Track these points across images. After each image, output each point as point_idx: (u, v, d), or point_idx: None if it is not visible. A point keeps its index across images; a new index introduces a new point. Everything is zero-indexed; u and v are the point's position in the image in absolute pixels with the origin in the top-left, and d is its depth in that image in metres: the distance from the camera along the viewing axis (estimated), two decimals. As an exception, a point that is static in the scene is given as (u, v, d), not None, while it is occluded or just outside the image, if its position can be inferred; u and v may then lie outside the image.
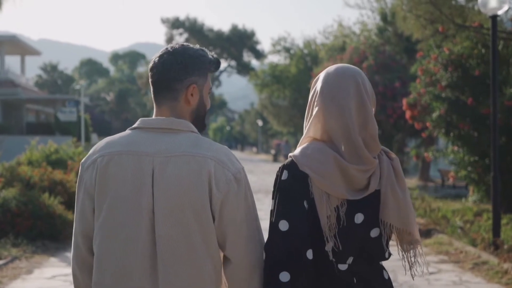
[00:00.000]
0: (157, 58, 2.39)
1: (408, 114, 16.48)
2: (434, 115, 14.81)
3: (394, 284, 7.68)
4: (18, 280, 8.44)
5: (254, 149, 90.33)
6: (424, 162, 23.61)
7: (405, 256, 2.47)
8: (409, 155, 25.18)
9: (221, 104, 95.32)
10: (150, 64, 2.42)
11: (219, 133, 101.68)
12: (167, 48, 2.41)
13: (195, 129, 2.38)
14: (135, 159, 2.27)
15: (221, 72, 76.47)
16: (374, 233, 2.33)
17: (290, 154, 2.37)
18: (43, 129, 36.82)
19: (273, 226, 2.26)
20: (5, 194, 11.49)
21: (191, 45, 2.44)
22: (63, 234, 11.17)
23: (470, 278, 8.64)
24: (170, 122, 2.32)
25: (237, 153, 78.21)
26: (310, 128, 2.38)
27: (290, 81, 43.99)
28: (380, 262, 2.43)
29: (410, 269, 2.47)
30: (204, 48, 2.47)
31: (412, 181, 26.65)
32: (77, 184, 2.40)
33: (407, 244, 2.42)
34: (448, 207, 15.30)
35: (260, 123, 71.17)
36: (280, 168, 2.36)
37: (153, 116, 2.40)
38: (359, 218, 2.30)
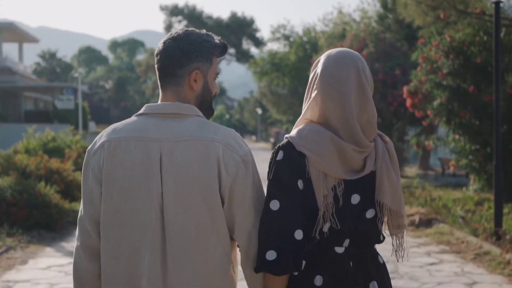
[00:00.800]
0: (161, 45, 2.39)
1: (408, 102, 16.30)
2: (435, 103, 14.66)
3: (395, 275, 7.58)
4: (12, 270, 8.29)
5: (253, 137, 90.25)
6: (424, 150, 23.47)
7: (392, 239, 2.48)
8: (409, 144, 24.99)
9: (221, 92, 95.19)
10: (156, 51, 2.43)
11: (218, 121, 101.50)
12: (171, 34, 2.41)
13: (201, 114, 2.37)
14: (142, 145, 2.27)
15: (220, 60, 76.04)
16: (369, 214, 2.34)
17: (286, 135, 2.36)
18: (42, 117, 36.64)
19: (265, 205, 2.26)
20: (0, 183, 11.33)
21: (196, 30, 2.44)
22: (59, 223, 11.02)
23: (472, 269, 8.50)
24: (176, 107, 2.33)
25: (236, 141, 78.14)
26: (308, 110, 2.38)
27: (289, 68, 43.79)
28: (375, 247, 2.44)
29: (396, 252, 2.49)
30: (210, 33, 2.46)
31: (412, 170, 26.53)
32: (82, 170, 2.38)
33: (396, 228, 2.43)
34: (449, 196, 15.17)
35: (259, 111, 71.00)
36: (275, 148, 2.36)
37: (159, 102, 2.41)
38: (355, 198, 2.31)
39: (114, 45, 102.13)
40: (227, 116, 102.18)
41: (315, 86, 2.37)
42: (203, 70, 2.40)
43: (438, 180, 21.19)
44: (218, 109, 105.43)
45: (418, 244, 10.25)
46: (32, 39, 45.65)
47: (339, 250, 2.31)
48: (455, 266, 8.67)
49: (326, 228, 2.27)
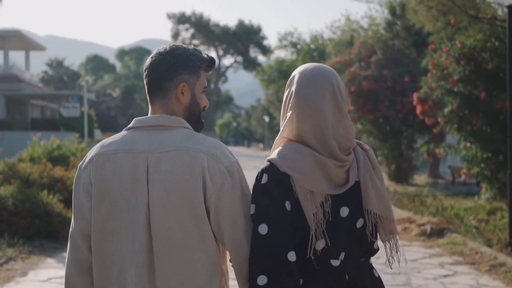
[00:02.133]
0: (149, 60, 2.46)
1: (418, 109, 16.03)
2: (446, 110, 14.39)
3: (407, 287, 7.24)
4: (11, 283, 8.02)
5: (261, 145, 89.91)
6: (434, 158, 23.16)
7: (385, 246, 2.47)
8: (418, 152, 24.69)
9: (228, 100, 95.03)
10: (144, 65, 2.49)
11: (226, 129, 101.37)
12: (158, 50, 2.48)
13: (188, 125, 2.41)
14: (130, 157, 2.32)
15: (228, 68, 76.24)
16: (359, 223, 2.36)
17: (268, 158, 2.36)
18: (48, 125, 36.51)
19: (253, 230, 2.26)
20: (2, 192, 11.09)
21: (184, 46, 2.50)
22: (61, 233, 10.74)
23: (488, 281, 8.19)
24: (163, 119, 2.37)
25: (243, 150, 77.95)
26: (285, 129, 2.40)
27: (297, 76, 43.53)
28: (370, 261, 2.44)
29: (389, 259, 2.47)
30: (197, 48, 2.51)
31: (421, 178, 26.21)
32: (74, 185, 2.44)
33: (388, 234, 2.43)
34: (460, 205, 14.86)
35: (266, 119, 70.76)
36: (259, 172, 2.35)
37: (148, 115, 2.46)
38: (344, 211, 2.33)
39: (122, 53, 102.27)
40: (234, 124, 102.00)
41: (290, 105, 2.38)
42: (190, 82, 2.44)
43: (448, 189, 20.85)
44: (225, 117, 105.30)
45: (430, 255, 9.94)
46: (39, 47, 45.58)
47: (335, 263, 2.32)
48: (469, 278, 8.36)
49: (320, 247, 2.28)
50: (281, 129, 2.44)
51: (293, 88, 2.40)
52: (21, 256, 9.42)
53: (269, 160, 2.35)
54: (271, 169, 2.30)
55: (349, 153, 2.37)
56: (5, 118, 35.85)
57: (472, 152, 14.40)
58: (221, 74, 76.63)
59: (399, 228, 12.42)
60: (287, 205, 2.26)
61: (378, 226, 2.40)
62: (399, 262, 2.46)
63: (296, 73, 2.44)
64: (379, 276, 2.45)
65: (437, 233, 11.72)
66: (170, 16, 71.32)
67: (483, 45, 13.69)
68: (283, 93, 22.76)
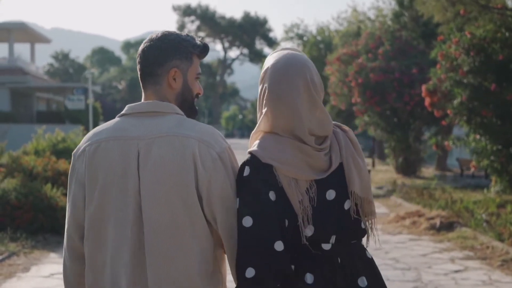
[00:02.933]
0: (141, 47, 2.45)
1: (427, 101, 15.82)
2: (455, 102, 14.20)
3: (418, 283, 7.06)
4: (13, 278, 7.86)
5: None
6: (442, 151, 22.95)
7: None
8: (426, 144, 24.47)
9: (234, 93, 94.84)
10: (137, 54, 2.48)
11: (231, 121, 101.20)
12: (150, 37, 2.46)
13: (180, 111, 2.39)
14: (121, 144, 2.31)
15: (233, 60, 76.02)
16: (347, 205, 2.36)
17: (249, 150, 2.36)
18: (54, 118, 36.31)
19: (238, 223, 2.25)
20: (5, 185, 10.93)
21: (176, 32, 2.48)
22: (65, 227, 10.59)
23: (500, 277, 7.99)
24: (154, 105, 2.36)
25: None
26: (261, 124, 2.39)
27: (303, 68, 43.30)
28: (362, 243, 2.44)
29: (367, 241, 2.47)
30: (190, 34, 2.49)
31: (428, 171, 26.00)
32: (69, 174, 2.44)
33: (366, 215, 2.41)
34: (469, 198, 14.66)
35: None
36: (241, 165, 2.35)
37: (141, 102, 2.45)
38: (331, 194, 2.33)
39: (127, 45, 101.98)
40: (240, 117, 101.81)
41: (264, 102, 2.38)
42: (182, 68, 2.42)
43: (457, 182, 20.62)
44: (231, 109, 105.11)
45: (440, 250, 9.75)
46: (44, 39, 45.35)
47: (326, 246, 2.32)
48: (481, 273, 8.16)
49: (309, 233, 2.28)
50: (257, 123, 2.43)
51: (266, 84, 2.38)
52: (24, 251, 9.25)
53: (250, 152, 2.34)
54: (253, 161, 2.29)
55: (325, 139, 2.38)
56: (10, 110, 35.68)
57: (482, 144, 14.21)
58: (227, 66, 76.38)
59: (407, 221, 12.23)
60: (271, 195, 2.25)
61: (358, 207, 2.39)
62: (367, 246, 2.45)
63: (268, 65, 2.40)
64: (372, 258, 2.45)
65: (447, 227, 11.51)
66: (175, 8, 71.07)
67: (493, 36, 13.48)
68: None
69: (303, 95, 2.34)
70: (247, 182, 2.27)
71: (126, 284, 2.29)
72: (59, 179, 12.59)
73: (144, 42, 2.46)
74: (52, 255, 9.27)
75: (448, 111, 14.70)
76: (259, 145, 2.34)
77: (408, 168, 23.82)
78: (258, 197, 2.24)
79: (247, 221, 2.22)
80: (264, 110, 2.38)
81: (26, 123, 34.11)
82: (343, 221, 2.34)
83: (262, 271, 2.19)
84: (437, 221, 11.72)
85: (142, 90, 2.46)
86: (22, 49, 53.59)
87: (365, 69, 22.26)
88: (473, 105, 13.85)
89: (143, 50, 2.43)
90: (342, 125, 2.49)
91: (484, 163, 14.37)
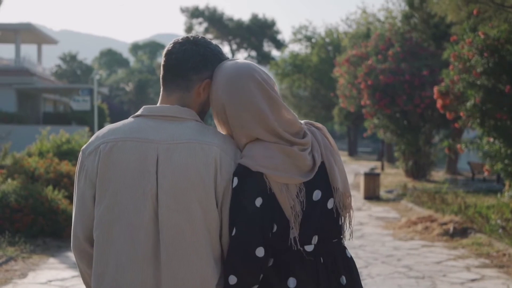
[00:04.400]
0: (178, 45, 2.36)
1: (439, 103, 15.39)
2: (468, 104, 13.78)
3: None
4: (8, 285, 7.50)
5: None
6: (453, 154, 22.54)
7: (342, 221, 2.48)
8: (436, 147, 24.06)
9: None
10: (168, 49, 2.39)
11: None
12: (188, 37, 2.39)
13: (199, 118, 2.35)
14: (139, 146, 2.25)
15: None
16: (330, 204, 2.36)
17: (239, 161, 2.32)
18: (60, 119, 36.10)
19: (229, 233, 2.28)
20: (5, 187, 10.61)
21: (211, 40, 2.42)
22: (66, 231, 10.22)
23: (519, 286, 7.61)
24: (175, 110, 2.31)
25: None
26: (238, 137, 2.36)
27: (311, 70, 43.05)
28: (343, 242, 2.44)
29: (343, 234, 2.47)
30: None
31: (438, 174, 25.59)
32: (76, 171, 2.34)
33: (344, 209, 2.43)
34: (482, 202, 14.27)
35: (280, 114, 70.01)
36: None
37: (159, 104, 2.39)
38: (317, 195, 2.34)
39: (135, 47, 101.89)
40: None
41: (229, 117, 2.34)
42: (211, 80, 2.38)
43: (468, 186, 20.21)
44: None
45: (455, 257, 9.36)
46: (51, 41, 45.12)
47: (309, 248, 2.32)
48: (499, 283, 7.78)
49: (293, 235, 2.28)
50: (236, 139, 2.38)
51: (223, 101, 2.34)
52: (22, 256, 8.92)
53: (239, 163, 2.30)
54: (242, 171, 2.27)
55: (304, 135, 2.38)
56: (17, 111, 35.47)
57: (495, 147, 13.80)
58: (234, 68, 76.18)
59: (419, 227, 11.85)
60: (258, 201, 2.24)
61: (339, 202, 2.41)
62: (351, 237, 2.47)
63: (217, 86, 2.35)
64: (351, 256, 2.46)
65: (460, 232, 11.14)
66: (183, 10, 70.82)
67: (508, 36, 13.07)
68: (297, 87, 22.22)
69: (263, 98, 2.33)
70: (234, 193, 2.26)
71: None
72: (61, 181, 12.27)
73: (183, 41, 2.37)
74: (51, 260, 8.93)
75: (461, 114, 14.31)
76: (247, 154, 2.31)
77: (418, 171, 23.43)
78: (243, 206, 2.24)
79: (235, 229, 2.24)
80: (232, 123, 2.34)
81: (33, 124, 33.86)
82: (325, 220, 2.35)
83: (242, 278, 2.22)
84: (451, 227, 11.34)
85: (164, 90, 2.38)
86: (29, 51, 53.40)
87: (375, 71, 21.91)
88: (487, 108, 13.44)
89: (184, 51, 2.35)
90: (314, 122, 2.50)
91: (498, 167, 13.96)
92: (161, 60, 2.47)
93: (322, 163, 2.38)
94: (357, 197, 18.66)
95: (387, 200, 17.54)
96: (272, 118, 2.33)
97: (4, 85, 34.38)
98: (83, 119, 34.52)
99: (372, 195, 18.10)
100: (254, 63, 2.42)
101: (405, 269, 8.54)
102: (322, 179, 2.36)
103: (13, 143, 21.43)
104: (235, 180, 2.26)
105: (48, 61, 70.06)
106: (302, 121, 2.46)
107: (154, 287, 2.23)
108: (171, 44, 2.41)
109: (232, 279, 2.23)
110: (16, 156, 14.02)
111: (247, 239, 2.23)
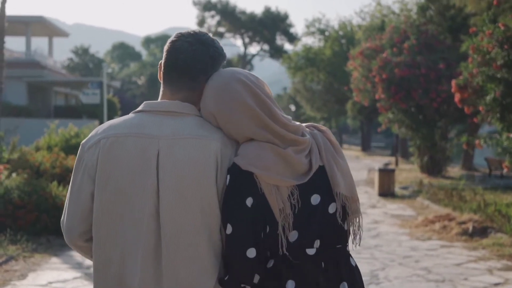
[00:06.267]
0: (186, 44, 2.34)
1: (457, 97, 14.91)
2: (488, 98, 13.29)
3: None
4: (7, 287, 7.16)
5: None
6: (469, 150, 22.04)
7: (350, 227, 2.43)
8: (452, 143, 23.55)
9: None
10: (173, 46, 2.36)
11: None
12: (194, 35, 2.37)
13: (199, 114, 2.34)
14: (140, 141, 2.23)
15: (254, 56, 75.51)
16: (331, 209, 2.32)
17: (233, 158, 2.31)
18: (71, 112, 35.83)
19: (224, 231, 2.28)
20: (8, 183, 10.26)
21: (213, 37, 2.42)
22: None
23: (546, 291, 7.19)
24: (175, 105, 2.31)
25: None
26: (238, 138, 2.34)
27: (324, 64, 42.60)
28: (347, 248, 2.40)
29: (354, 240, 2.43)
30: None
31: (454, 170, 25.10)
32: (75, 164, 2.31)
33: (352, 213, 2.38)
34: (501, 200, 13.81)
35: (292, 108, 69.72)
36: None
37: (159, 99, 2.39)
38: (316, 199, 2.30)
39: (148, 41, 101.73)
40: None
41: (226, 124, 2.31)
42: None
43: (485, 182, 19.72)
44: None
45: (476, 258, 8.93)
46: (62, 33, 44.82)
47: (311, 252, 2.29)
48: (525, 288, 7.36)
49: (293, 238, 2.26)
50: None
51: (212, 111, 2.31)
52: (24, 255, 8.57)
53: (233, 161, 2.29)
54: (233, 169, 2.25)
55: (302, 135, 2.34)
56: (27, 104, 35.23)
57: (516, 143, 13.33)
58: (247, 62, 75.67)
59: (437, 226, 11.43)
60: (248, 201, 2.22)
61: (346, 207, 2.36)
62: (359, 242, 2.41)
63: (204, 97, 2.33)
64: (356, 265, 2.40)
65: (480, 232, 10.70)
66: (196, 3, 70.45)
67: (529, 28, 12.60)
68: (310, 81, 21.83)
69: (248, 94, 2.30)
70: (226, 191, 2.24)
71: (138, 284, 2.20)
72: (67, 177, 11.93)
73: (191, 40, 2.34)
74: (54, 259, 8.57)
75: (480, 108, 13.83)
76: (241, 153, 2.29)
77: (434, 167, 22.95)
78: (236, 205, 2.22)
79: (228, 229, 2.22)
80: (229, 131, 2.31)
81: (43, 118, 33.61)
82: (328, 225, 2.31)
83: (233, 277, 2.22)
84: (470, 226, 10.90)
85: (169, 88, 2.35)
86: (41, 44, 53.18)
87: (390, 64, 21.44)
88: (507, 102, 12.97)
89: (194, 52, 2.32)
90: (318, 125, 2.47)
91: (518, 164, 13.49)
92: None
93: (323, 167, 2.33)
94: (371, 194, 18.22)
95: (402, 197, 17.10)
96: (264, 114, 2.29)
97: (15, 78, 34.08)
98: (94, 112, 34.23)
99: (386, 192, 17.66)
100: (240, 68, 2.41)
101: (424, 271, 8.12)
102: (322, 183, 2.32)
103: (23, 136, 21.17)
104: (228, 178, 2.24)
105: (61, 54, 69.90)
106: (305, 124, 2.45)
107: (155, 283, 2.20)
108: (175, 40, 2.37)
109: (226, 276, 2.25)
110: (24, 150, 13.71)
111: (238, 239, 2.22)
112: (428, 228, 11.48)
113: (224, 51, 2.44)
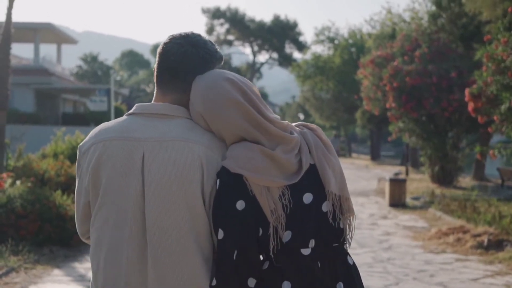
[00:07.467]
0: (176, 46, 2.35)
1: (470, 106, 14.59)
2: (503, 107, 13.01)
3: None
4: (6, 301, 6.93)
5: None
6: (480, 160, 21.69)
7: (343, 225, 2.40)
8: (464, 152, 23.21)
9: (262, 97, 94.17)
10: (165, 48, 2.38)
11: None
12: (185, 37, 2.37)
13: (190, 116, 2.32)
14: (127, 144, 2.25)
15: (262, 64, 75.44)
16: (325, 207, 2.30)
17: (222, 162, 2.29)
18: (79, 120, 35.69)
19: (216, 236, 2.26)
20: (11, 191, 10.01)
21: (206, 37, 2.42)
22: (74, 239, 9.62)
23: None
24: (165, 108, 2.31)
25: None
26: (226, 138, 2.32)
27: (334, 72, 42.35)
28: (345, 247, 2.37)
29: (347, 240, 2.39)
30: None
31: (465, 181, 24.74)
32: (76, 168, 2.36)
33: (344, 212, 2.35)
34: (514, 211, 13.47)
35: (301, 116, 69.51)
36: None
37: (153, 101, 2.39)
38: (308, 198, 2.28)
39: (157, 49, 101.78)
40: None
41: (213, 125, 2.30)
42: None
43: (498, 193, 19.36)
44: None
45: (493, 273, 8.62)
46: (71, 40, 44.74)
47: (306, 251, 2.27)
48: (546, 306, 7.04)
49: (287, 238, 2.24)
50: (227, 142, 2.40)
51: (200, 111, 2.30)
52: (25, 266, 8.32)
53: (222, 165, 2.28)
54: (222, 172, 2.24)
55: (291, 133, 2.33)
56: (35, 111, 35.10)
57: (531, 154, 13.04)
58: (255, 70, 75.53)
59: (451, 238, 11.11)
60: (239, 205, 2.21)
61: (336, 206, 2.34)
62: (350, 242, 2.38)
63: (192, 98, 2.33)
64: (354, 263, 2.39)
65: (496, 245, 10.38)
66: (205, 11, 70.41)
67: (546, 36, 12.33)
68: (319, 89, 21.60)
69: (235, 91, 2.29)
70: (217, 194, 2.23)
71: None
72: (72, 185, 11.68)
73: (181, 41, 2.35)
74: (56, 271, 8.32)
75: (494, 117, 13.53)
76: (229, 155, 2.27)
77: (445, 177, 22.59)
78: (227, 209, 2.21)
79: (220, 234, 2.21)
80: (217, 129, 2.30)
81: (51, 125, 33.46)
82: (322, 224, 2.30)
83: (221, 281, 2.21)
84: (485, 239, 10.59)
85: (159, 90, 2.36)
86: (49, 51, 53.14)
87: (401, 73, 21.14)
88: (522, 111, 12.69)
89: (184, 53, 2.33)
90: (308, 124, 2.46)
91: (533, 175, 13.19)
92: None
93: (314, 165, 2.32)
94: (382, 204, 17.91)
95: (413, 208, 16.77)
96: (252, 109, 2.28)
97: (23, 84, 33.98)
98: (102, 120, 34.04)
99: (397, 202, 17.33)
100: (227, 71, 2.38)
101: (440, 287, 7.81)
102: (314, 181, 2.30)
103: (29, 144, 20.97)
104: (218, 182, 2.23)
105: (70, 62, 69.97)
106: (295, 123, 2.43)
107: (140, 279, 2.19)
108: (167, 42, 2.38)
109: (213, 282, 2.23)
110: (29, 157, 13.49)
111: (229, 243, 2.20)
112: (441, 240, 11.17)
113: (222, 52, 2.42)
